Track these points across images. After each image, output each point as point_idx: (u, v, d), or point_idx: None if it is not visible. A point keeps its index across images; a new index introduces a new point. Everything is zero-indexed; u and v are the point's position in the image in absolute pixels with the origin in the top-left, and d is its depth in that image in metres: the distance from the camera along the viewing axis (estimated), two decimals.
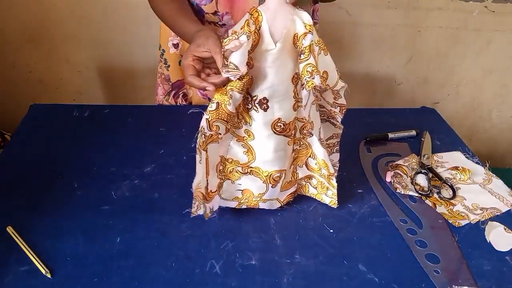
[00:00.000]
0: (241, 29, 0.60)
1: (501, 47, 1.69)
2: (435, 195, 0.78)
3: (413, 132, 0.95)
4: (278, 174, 0.68)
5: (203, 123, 0.60)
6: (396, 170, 0.83)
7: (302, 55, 0.61)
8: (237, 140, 0.67)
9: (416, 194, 0.79)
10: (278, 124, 0.66)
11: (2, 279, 0.59)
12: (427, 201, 0.77)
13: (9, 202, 0.72)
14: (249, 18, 0.60)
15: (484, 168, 0.86)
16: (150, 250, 0.65)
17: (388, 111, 1.10)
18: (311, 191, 0.76)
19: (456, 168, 0.84)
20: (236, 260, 0.64)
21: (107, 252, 0.64)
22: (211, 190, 0.67)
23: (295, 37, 0.61)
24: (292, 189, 0.74)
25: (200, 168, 0.63)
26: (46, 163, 0.81)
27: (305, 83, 0.61)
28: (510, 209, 0.76)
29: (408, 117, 1.04)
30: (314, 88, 0.63)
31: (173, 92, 1.07)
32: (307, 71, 0.60)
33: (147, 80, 1.70)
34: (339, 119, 0.72)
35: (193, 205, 0.65)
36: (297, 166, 0.73)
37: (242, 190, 0.70)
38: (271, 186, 0.69)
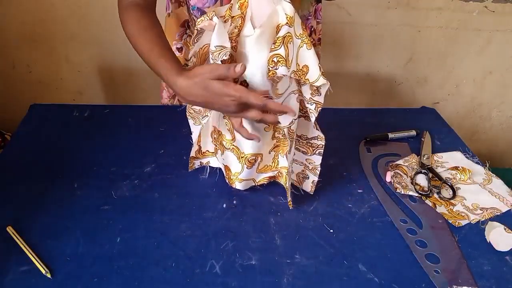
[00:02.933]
0: (224, 12, 0.61)
1: (501, 47, 1.69)
2: (435, 195, 0.78)
3: (413, 132, 0.95)
4: (253, 158, 0.72)
5: None
6: (396, 170, 0.83)
7: (273, 45, 0.61)
8: (223, 116, 0.69)
9: (416, 194, 0.79)
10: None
11: (2, 279, 0.59)
12: (427, 201, 0.77)
13: (9, 202, 0.72)
14: (236, 2, 0.61)
15: (484, 168, 0.86)
16: (150, 250, 0.65)
17: (388, 111, 1.10)
18: (287, 180, 0.75)
19: (456, 168, 0.84)
20: (236, 260, 0.64)
21: (107, 252, 0.64)
22: (207, 150, 0.78)
23: (278, 27, 0.61)
24: (271, 174, 0.76)
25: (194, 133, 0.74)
26: (46, 163, 0.81)
27: (267, 71, 0.61)
28: (510, 209, 0.76)
29: (408, 117, 1.04)
30: (292, 79, 0.65)
31: None
32: (272, 60, 0.60)
33: (147, 80, 1.70)
34: (313, 117, 0.68)
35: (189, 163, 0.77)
36: (278, 153, 0.75)
37: (224, 166, 0.75)
38: (246, 167, 0.72)
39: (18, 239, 0.64)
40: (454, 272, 0.63)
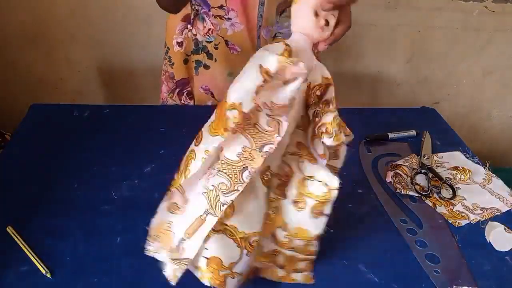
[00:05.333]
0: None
1: (501, 47, 1.69)
2: (435, 195, 0.78)
3: (413, 132, 0.95)
4: (256, 238, 0.54)
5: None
6: (396, 170, 0.83)
7: (330, 105, 0.53)
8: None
9: (416, 194, 0.78)
10: (266, 173, 0.54)
11: (2, 279, 0.59)
12: (427, 201, 0.77)
13: (9, 202, 0.72)
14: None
15: (484, 168, 0.86)
16: None
17: (388, 111, 1.10)
18: (279, 274, 0.61)
19: (456, 168, 0.84)
20: None
21: (107, 252, 0.64)
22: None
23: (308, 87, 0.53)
24: (257, 264, 0.60)
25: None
26: (46, 163, 0.81)
27: (334, 135, 0.52)
28: (510, 209, 0.76)
29: (408, 117, 1.04)
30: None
31: (177, 90, 1.07)
32: (337, 123, 0.52)
33: (147, 80, 1.70)
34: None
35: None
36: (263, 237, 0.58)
37: (208, 258, 0.52)
38: (246, 254, 0.53)
39: (18, 239, 0.64)
40: (454, 272, 0.63)
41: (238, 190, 0.48)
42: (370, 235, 0.70)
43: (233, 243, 0.53)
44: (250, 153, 0.48)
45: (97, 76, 1.72)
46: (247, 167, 0.48)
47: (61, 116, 0.96)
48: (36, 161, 0.82)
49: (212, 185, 0.49)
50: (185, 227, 0.51)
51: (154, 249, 0.54)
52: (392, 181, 0.81)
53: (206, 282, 0.52)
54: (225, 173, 0.49)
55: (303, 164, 0.57)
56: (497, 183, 0.82)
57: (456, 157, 0.89)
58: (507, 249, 0.68)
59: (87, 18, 1.56)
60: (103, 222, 0.69)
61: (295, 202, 0.57)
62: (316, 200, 0.56)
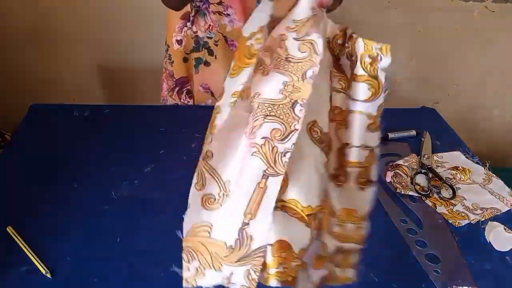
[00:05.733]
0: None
1: (501, 47, 1.69)
2: (435, 195, 0.78)
3: (413, 132, 0.95)
4: (321, 214, 0.44)
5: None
6: (396, 170, 0.83)
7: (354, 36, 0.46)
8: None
9: (416, 194, 0.78)
10: (315, 129, 0.45)
11: (2, 279, 0.59)
12: (427, 201, 0.77)
13: (9, 202, 0.72)
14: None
15: (484, 168, 0.86)
16: (150, 250, 0.65)
17: (388, 111, 1.09)
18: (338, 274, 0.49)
19: (456, 168, 0.84)
20: None
21: (107, 252, 0.64)
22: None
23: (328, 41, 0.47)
24: (323, 272, 0.47)
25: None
26: (46, 163, 0.81)
27: (379, 47, 0.45)
28: (510, 209, 0.76)
29: (408, 117, 1.04)
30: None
31: (177, 88, 1.07)
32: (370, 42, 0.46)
33: (147, 80, 1.70)
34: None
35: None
36: (323, 231, 0.46)
37: (271, 245, 0.40)
38: (316, 237, 0.43)
39: (18, 239, 0.64)
40: (454, 272, 0.63)
41: (296, 129, 0.39)
42: (370, 235, 0.70)
43: (299, 222, 0.41)
44: (293, 85, 0.41)
45: (97, 76, 1.72)
46: (296, 100, 0.40)
47: (61, 116, 0.95)
48: (36, 161, 0.82)
49: (262, 137, 0.40)
50: (241, 211, 0.39)
51: (193, 275, 0.41)
52: (392, 181, 0.81)
53: (273, 282, 0.40)
54: (274, 115, 0.40)
55: (340, 131, 0.48)
56: (497, 183, 0.82)
57: (456, 157, 0.89)
58: (507, 249, 0.68)
59: (87, 18, 1.56)
60: (103, 222, 0.69)
61: (334, 176, 0.48)
62: (359, 167, 0.47)
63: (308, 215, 0.41)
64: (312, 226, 0.41)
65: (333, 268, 0.49)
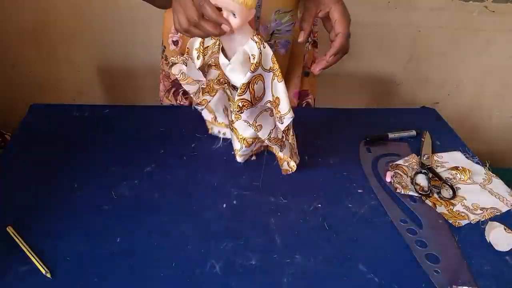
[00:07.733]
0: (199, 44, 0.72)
1: (501, 47, 1.69)
2: (435, 195, 0.78)
3: (413, 132, 0.95)
4: (251, 140, 0.77)
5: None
6: (396, 170, 0.83)
7: (239, 89, 0.65)
8: (228, 99, 0.78)
9: (416, 194, 0.79)
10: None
11: (2, 279, 0.59)
12: (427, 201, 0.77)
13: (9, 202, 0.72)
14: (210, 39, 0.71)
15: (484, 168, 0.86)
16: (150, 250, 0.65)
17: (388, 111, 1.10)
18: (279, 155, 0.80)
19: (456, 168, 0.84)
20: (236, 260, 0.64)
21: (107, 252, 0.64)
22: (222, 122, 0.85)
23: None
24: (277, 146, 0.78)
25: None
26: (46, 163, 0.81)
27: (233, 114, 0.68)
28: (510, 209, 0.76)
29: (408, 117, 1.04)
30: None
31: (173, 89, 1.07)
32: (238, 105, 0.66)
33: (147, 80, 1.70)
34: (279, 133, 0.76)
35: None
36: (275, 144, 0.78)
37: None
38: (245, 146, 0.78)
39: (18, 239, 0.64)
40: (454, 272, 0.63)
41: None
42: (370, 235, 0.70)
43: (236, 138, 0.79)
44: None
45: (97, 76, 1.72)
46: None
47: (61, 116, 0.96)
48: (36, 161, 0.82)
49: None
50: None
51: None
52: (392, 181, 0.81)
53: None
54: None
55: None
56: (497, 183, 0.82)
57: (456, 157, 0.89)
58: (507, 249, 0.68)
59: (87, 18, 1.57)
60: (103, 222, 0.69)
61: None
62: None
63: (241, 138, 0.79)
64: (241, 142, 0.79)
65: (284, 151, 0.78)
